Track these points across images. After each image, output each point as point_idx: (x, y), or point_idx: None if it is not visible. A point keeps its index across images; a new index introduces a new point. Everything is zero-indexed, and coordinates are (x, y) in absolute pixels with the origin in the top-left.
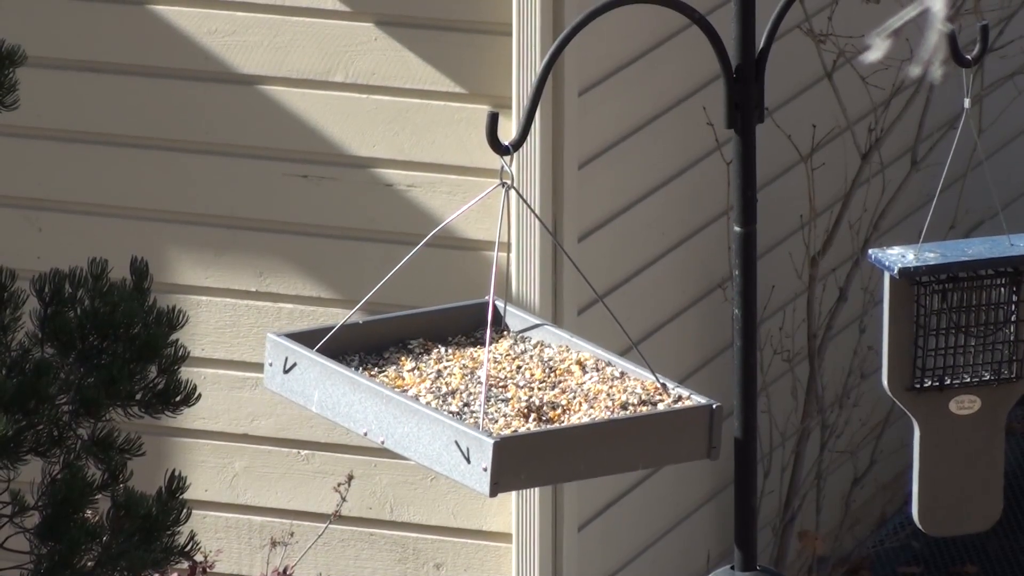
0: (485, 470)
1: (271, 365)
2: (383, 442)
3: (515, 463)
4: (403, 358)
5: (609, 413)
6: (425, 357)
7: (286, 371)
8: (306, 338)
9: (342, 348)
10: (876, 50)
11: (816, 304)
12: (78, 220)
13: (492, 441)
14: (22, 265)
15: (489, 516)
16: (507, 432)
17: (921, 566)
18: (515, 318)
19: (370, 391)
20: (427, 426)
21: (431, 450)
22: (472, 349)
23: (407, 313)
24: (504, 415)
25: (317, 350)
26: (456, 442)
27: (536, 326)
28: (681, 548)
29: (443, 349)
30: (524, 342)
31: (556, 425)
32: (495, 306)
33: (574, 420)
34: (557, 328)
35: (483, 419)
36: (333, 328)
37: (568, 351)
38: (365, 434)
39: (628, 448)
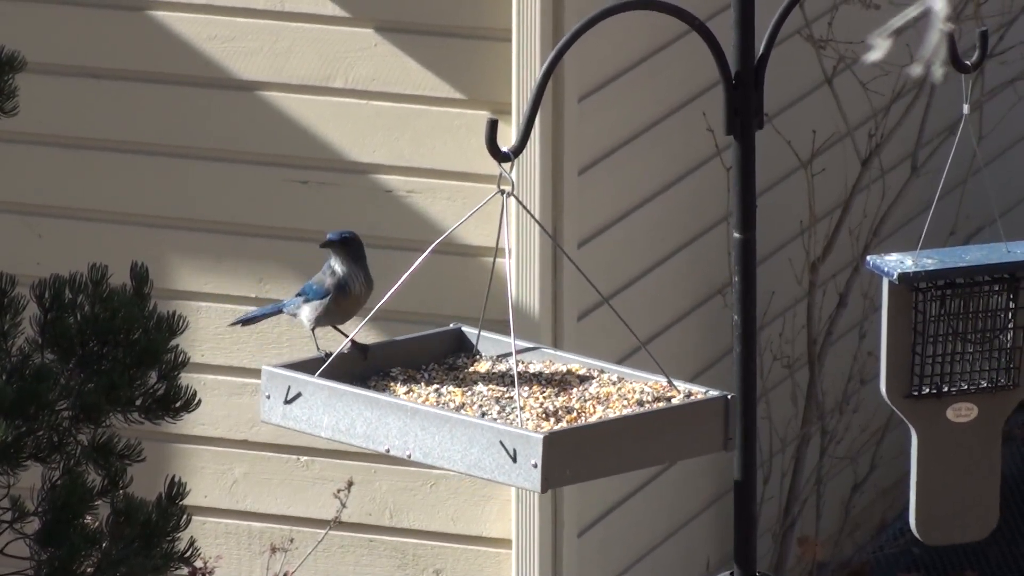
0: (535, 466)
1: (269, 397)
2: (409, 456)
3: (562, 458)
4: (392, 384)
5: (630, 411)
6: (413, 383)
7: (287, 401)
8: (300, 368)
9: (329, 380)
10: (877, 50)
11: (816, 310)
12: (78, 226)
13: (541, 436)
14: (22, 271)
15: (489, 522)
16: (546, 429)
17: (921, 572)
18: (488, 342)
19: (391, 406)
20: (462, 432)
21: (468, 456)
22: (454, 373)
23: (384, 342)
24: (528, 419)
25: (317, 376)
26: (501, 443)
27: (526, 350)
28: (681, 554)
29: (428, 374)
30: (504, 362)
31: (595, 420)
32: (462, 331)
33: (593, 420)
34: (538, 346)
35: (520, 418)
36: (331, 357)
37: (553, 364)
38: (387, 451)
39: (655, 442)
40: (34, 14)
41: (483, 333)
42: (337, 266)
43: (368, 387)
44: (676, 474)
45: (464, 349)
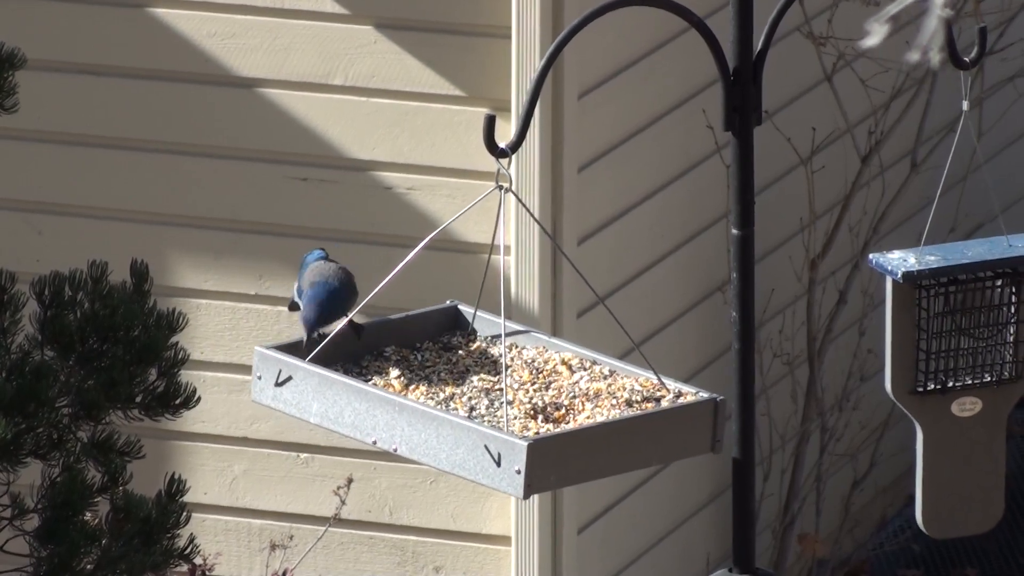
0: (519, 472)
1: (260, 378)
2: (395, 450)
3: (546, 464)
4: (385, 366)
5: (618, 411)
6: (405, 365)
7: (278, 384)
8: (293, 350)
9: (322, 360)
10: (874, 35)
11: (816, 307)
12: (78, 223)
13: (526, 443)
14: (22, 268)
15: (488, 519)
16: (529, 433)
17: (921, 569)
18: (484, 322)
19: (380, 400)
20: (448, 432)
21: (454, 456)
22: (448, 354)
23: (377, 320)
24: (515, 417)
25: (308, 361)
26: (486, 446)
27: (518, 332)
28: (680, 551)
29: (421, 356)
30: (497, 345)
31: (581, 424)
32: (458, 309)
33: (580, 419)
34: (529, 329)
35: (507, 421)
36: (324, 340)
37: (546, 351)
38: (374, 443)
39: (643, 445)
40: (34, 11)
41: (479, 313)
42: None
43: (361, 368)
44: (676, 471)
45: (460, 327)
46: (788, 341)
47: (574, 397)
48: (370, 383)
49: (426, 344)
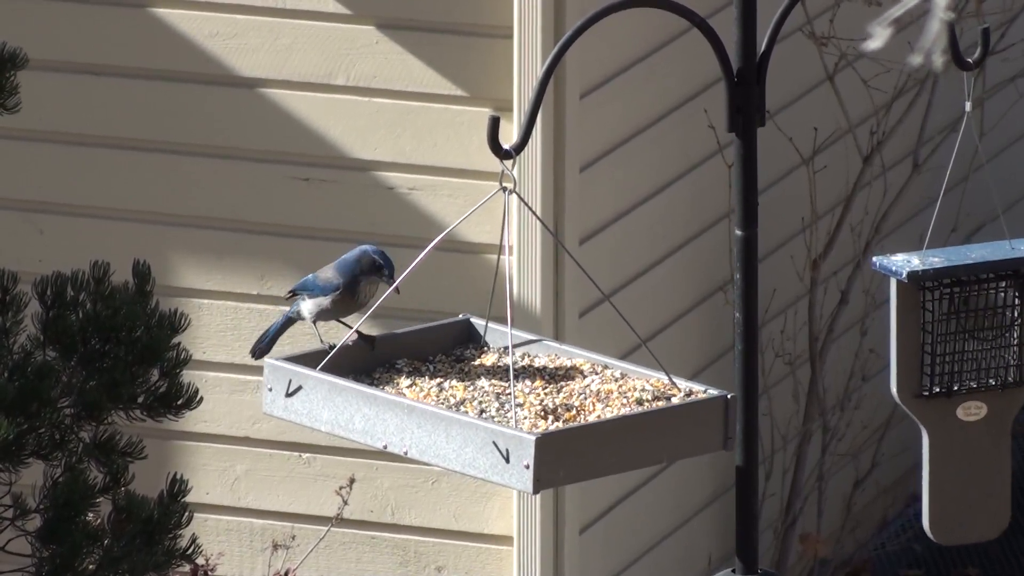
0: (527, 467)
1: (271, 390)
2: (406, 452)
3: (554, 459)
4: (396, 377)
5: (628, 410)
6: (417, 376)
7: (289, 394)
8: (304, 361)
9: (333, 371)
10: (877, 39)
11: (817, 307)
12: (80, 223)
13: (533, 438)
14: (24, 268)
15: (491, 519)
16: (541, 430)
17: (923, 569)
18: (496, 334)
19: (389, 403)
20: (457, 431)
21: (463, 455)
22: (460, 365)
23: (389, 334)
24: (525, 417)
25: (319, 370)
26: (494, 443)
27: (530, 342)
28: (682, 551)
29: (432, 367)
30: (508, 356)
31: (592, 419)
32: (470, 322)
33: (591, 419)
34: (541, 338)
35: (515, 418)
36: (333, 350)
37: (558, 359)
38: (384, 447)
39: (653, 441)
40: (35, 11)
41: (491, 324)
42: (363, 276)
43: (372, 379)
44: (678, 471)
45: (472, 340)
46: (790, 341)
47: (585, 398)
48: (381, 390)
49: (438, 357)
